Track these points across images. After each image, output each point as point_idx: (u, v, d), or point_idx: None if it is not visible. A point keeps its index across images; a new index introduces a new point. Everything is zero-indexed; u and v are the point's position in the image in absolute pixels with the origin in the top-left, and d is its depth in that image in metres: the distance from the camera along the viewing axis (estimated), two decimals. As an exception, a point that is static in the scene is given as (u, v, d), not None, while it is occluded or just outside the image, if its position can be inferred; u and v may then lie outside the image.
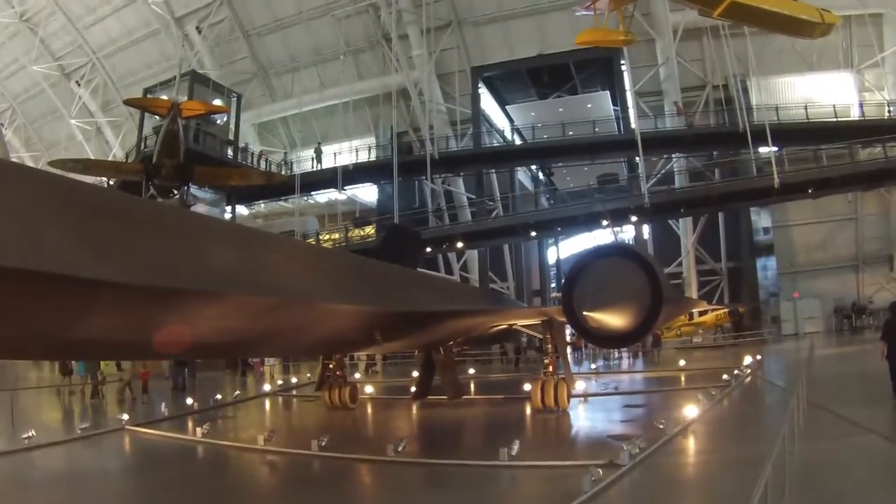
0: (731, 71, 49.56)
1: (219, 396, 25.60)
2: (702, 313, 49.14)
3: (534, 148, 57.11)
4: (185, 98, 47.80)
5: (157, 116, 42.29)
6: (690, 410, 15.92)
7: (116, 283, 7.30)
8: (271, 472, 13.80)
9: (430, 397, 23.10)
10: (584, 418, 19.22)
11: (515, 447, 12.01)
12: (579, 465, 11.25)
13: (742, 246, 57.46)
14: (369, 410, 23.36)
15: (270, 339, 12.63)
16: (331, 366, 23.53)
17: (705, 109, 54.17)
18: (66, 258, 6.78)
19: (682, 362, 31.91)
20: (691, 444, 13.90)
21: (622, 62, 54.43)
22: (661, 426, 14.05)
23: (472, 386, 28.18)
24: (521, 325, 22.68)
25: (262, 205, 66.56)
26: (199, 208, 50.38)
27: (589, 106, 59.57)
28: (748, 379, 24.72)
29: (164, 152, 35.91)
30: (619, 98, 56.18)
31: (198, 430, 16.98)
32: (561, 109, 59.26)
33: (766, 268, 54.58)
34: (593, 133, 54.22)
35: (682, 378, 27.96)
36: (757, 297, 53.99)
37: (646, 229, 59.44)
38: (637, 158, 50.22)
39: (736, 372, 24.32)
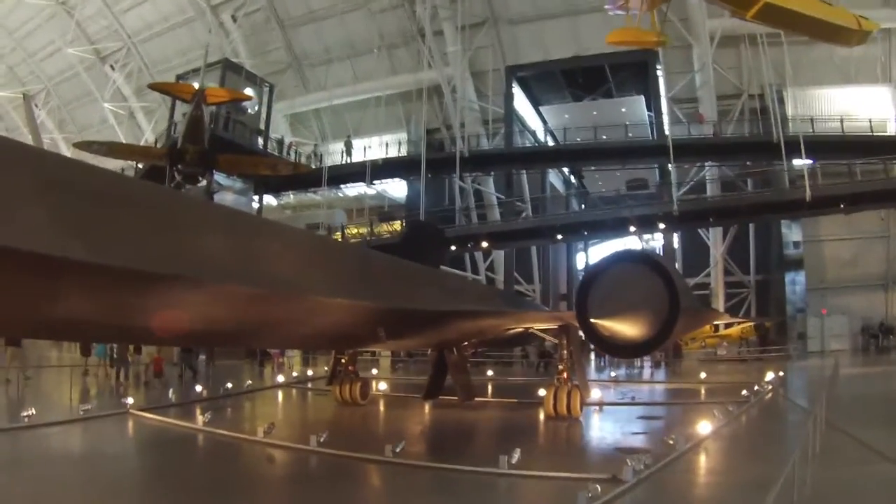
0: (767, 80, 48.22)
1: (230, 385, 25.47)
2: (727, 326, 48.14)
3: (564, 150, 56.70)
4: (215, 85, 47.63)
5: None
6: (704, 427, 15.20)
7: (95, 265, 7.01)
8: (262, 466, 13.68)
9: (441, 398, 22.58)
10: (596, 428, 18.68)
11: (516, 455, 11.64)
12: (580, 479, 10.84)
13: (771, 259, 56.67)
14: (378, 408, 22.94)
15: (262, 331, 12.32)
16: (343, 360, 23.30)
17: (740, 118, 52.90)
18: (44, 237, 6.49)
19: (702, 375, 31.22)
20: (700, 462, 13.27)
21: (658, 67, 53.47)
22: (672, 441, 13.48)
23: (489, 388, 27.87)
24: (537, 330, 22.00)
25: (291, 196, 66.35)
26: (227, 197, 50.55)
27: (623, 110, 58.71)
28: (768, 396, 23.86)
29: (187, 138, 35.61)
30: (653, 103, 55.16)
31: (199, 418, 16.96)
32: (595, 113, 58.51)
33: (795, 282, 53.49)
34: (625, 137, 53.51)
35: (702, 391, 27.24)
36: (784, 312, 52.91)
37: (675, 238, 58.09)
38: (669, 165, 49.11)
39: (756, 388, 23.58)
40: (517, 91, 59.75)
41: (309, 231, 23.39)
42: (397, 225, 54.85)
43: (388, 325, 14.92)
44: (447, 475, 12.04)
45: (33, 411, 16.37)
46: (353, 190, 62.38)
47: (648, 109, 57.20)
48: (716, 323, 45.28)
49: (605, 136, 54.27)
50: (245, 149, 47.98)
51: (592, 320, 15.43)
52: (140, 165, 48.53)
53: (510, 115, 57.22)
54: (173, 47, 65.05)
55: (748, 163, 53.19)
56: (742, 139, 50.64)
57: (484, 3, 55.45)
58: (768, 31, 44.31)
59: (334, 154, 60.51)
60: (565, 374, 19.40)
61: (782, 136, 45.33)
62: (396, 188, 63.65)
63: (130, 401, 19.43)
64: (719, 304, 53.49)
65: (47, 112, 75.65)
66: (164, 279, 8.05)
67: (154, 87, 45.18)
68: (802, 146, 43.43)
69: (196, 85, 38.61)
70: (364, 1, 57.72)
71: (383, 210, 60.54)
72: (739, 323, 48.59)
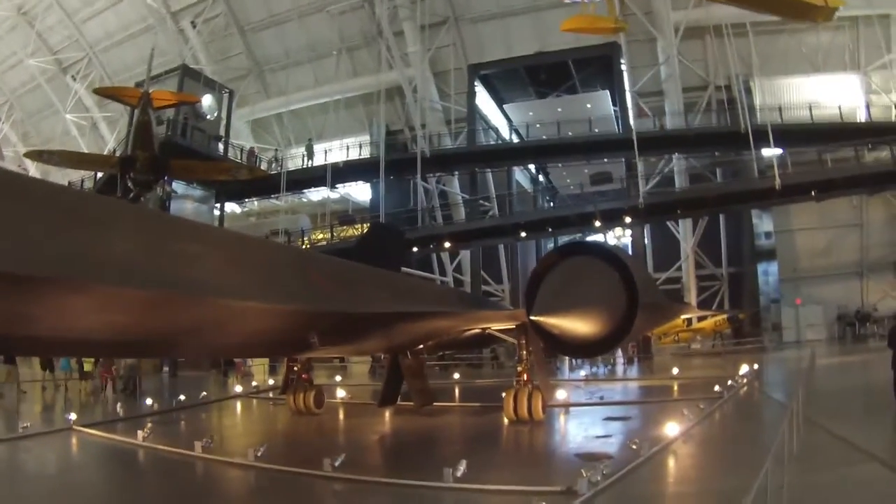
0: (734, 71, 47.26)
1: (182, 398, 24.58)
2: (700, 319, 47.01)
3: (528, 147, 55.58)
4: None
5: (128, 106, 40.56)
6: (672, 428, 13.89)
7: None
8: (190, 480, 12.77)
9: (400, 404, 21.45)
10: (557, 432, 17.39)
11: (462, 467, 10.44)
12: (531, 492, 10.04)
13: (743, 251, 55.97)
14: (331, 417, 21.61)
15: (169, 339, 10.99)
16: (295, 368, 22.19)
17: (707, 110, 52.01)
18: None
19: (674, 371, 29.98)
20: (666, 469, 11.96)
21: (622, 61, 52.24)
22: (636, 446, 12.10)
23: (455, 392, 27.07)
24: (494, 330, 20.47)
25: (256, 203, 65.45)
26: (186, 205, 49.30)
27: (588, 106, 57.53)
28: (743, 390, 22.62)
29: (137, 144, 34.11)
30: (619, 98, 53.89)
31: (139, 433, 15.85)
32: (560, 109, 57.15)
33: (768, 273, 52.82)
34: (590, 132, 52.54)
35: (675, 388, 25.98)
36: (757, 304, 51.95)
37: (646, 233, 56.93)
38: (634, 159, 47.91)
39: (730, 382, 22.30)
40: (481, 90, 58.67)
41: (228, 231, 22.09)
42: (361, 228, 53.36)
43: (321, 330, 13.54)
44: (386, 490, 10.97)
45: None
46: (317, 195, 61.87)
47: (614, 104, 56.00)
48: (689, 317, 44.00)
49: (570, 133, 53.27)
50: (202, 155, 46.55)
51: (537, 318, 14.41)
52: (99, 175, 46.73)
53: (473, 114, 56.06)
54: (134, 55, 62.65)
55: (717, 154, 52.27)
56: (709, 129, 49.88)
57: (445, 2, 54.55)
58: (734, 22, 44.18)
59: (297, 159, 59.80)
60: (525, 376, 18.11)
61: (749, 125, 44.01)
62: (361, 192, 62.74)
63: (73, 417, 18.62)
64: (692, 297, 52.48)
65: (10, 125, 74.32)
66: (48, 282, 7.32)
67: (99, 91, 44.17)
68: (770, 135, 42.24)
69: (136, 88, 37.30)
70: (323, 3, 56.61)
71: (346, 214, 58.22)
72: (712, 316, 47.34)
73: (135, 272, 8.39)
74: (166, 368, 41.85)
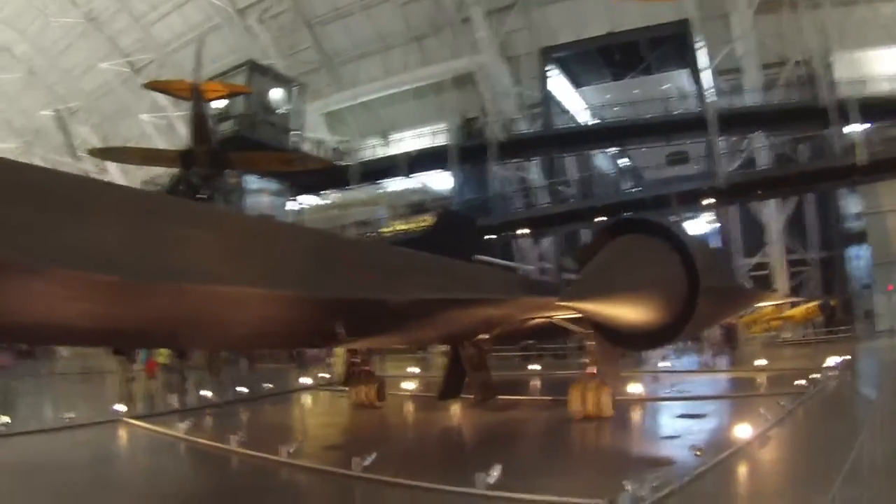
0: (811, 44, 45.36)
1: (245, 390, 24.30)
2: (792, 306, 44.92)
3: (604, 129, 54.73)
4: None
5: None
6: (744, 430, 12.05)
7: None
8: (216, 475, 12.68)
9: (465, 397, 20.45)
10: (623, 431, 15.87)
11: (496, 472, 9.52)
12: None
13: (833, 234, 53.05)
14: (387, 411, 20.61)
15: (160, 331, 11.12)
16: (356, 360, 21.57)
17: (787, 86, 49.62)
18: None
19: (762, 361, 27.74)
20: (725, 483, 10.31)
21: (696, 38, 50.46)
22: (699, 452, 10.83)
23: (529, 384, 25.91)
24: (559, 319, 18.78)
25: (336, 195, 64.91)
26: (262, 199, 49.25)
27: (667, 86, 56.65)
28: (829, 384, 20.41)
29: (194, 138, 33.55)
30: (695, 76, 52.49)
31: (185, 426, 15.63)
32: (636, 91, 56.41)
33: (859, 257, 50.35)
34: (666, 112, 51.24)
35: (759, 380, 24.11)
36: (848, 290, 49.34)
37: (734, 218, 54.82)
38: (715, 138, 46.04)
39: (816, 375, 20.26)
40: (555, 74, 58.22)
41: (236, 214, 21.23)
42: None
43: (346, 319, 12.68)
44: (411, 494, 10.17)
45: (8, 420, 16.59)
46: (396, 185, 61.47)
47: (692, 83, 53.91)
48: (777, 303, 42.06)
49: (648, 114, 52.21)
50: (272, 149, 46.17)
51: (567, 303, 12.39)
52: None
53: (547, 98, 55.86)
54: (205, 54, 62.51)
55: (798, 133, 49.97)
56: (788, 105, 48.02)
57: (512, -15, 53.90)
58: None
59: (373, 149, 60.66)
60: (593, 369, 16.53)
61: (830, 100, 41.71)
62: (441, 181, 61.74)
63: (124, 408, 18.70)
64: (781, 283, 50.39)
65: (90, 128, 75.49)
66: (43, 271, 7.33)
67: (149, 86, 44.21)
68: (852, 109, 39.95)
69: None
70: None
71: (420, 203, 57.53)
72: (792, 304, 45.17)
73: (121, 260, 8.09)
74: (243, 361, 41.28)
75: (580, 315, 15.57)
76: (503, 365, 35.07)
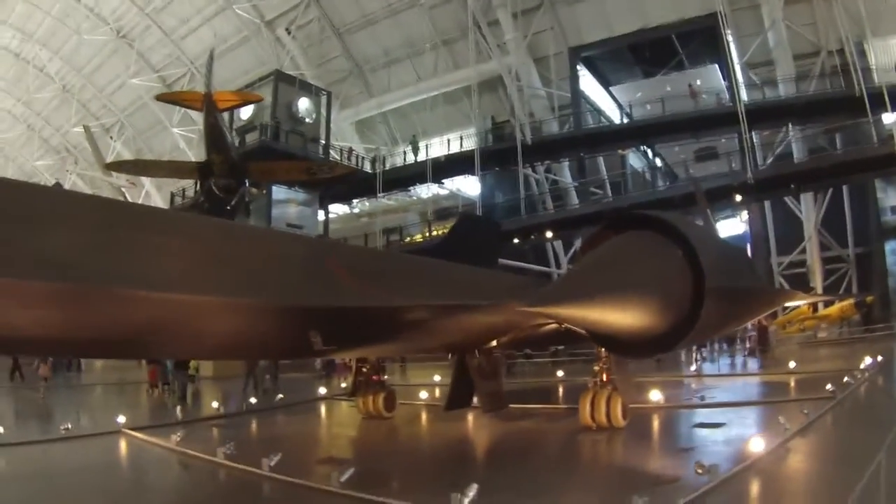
0: (844, 33, 44.38)
1: (253, 401, 24.09)
2: (827, 304, 43.72)
3: (632, 128, 53.50)
4: (268, 98, 48.98)
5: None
6: (757, 444, 11.02)
7: None
8: (188, 486, 12.67)
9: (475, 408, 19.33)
10: (632, 443, 14.40)
11: (472, 492, 8.58)
12: None
13: (870, 229, 52.41)
14: (393, 422, 19.68)
15: (134, 338, 10.33)
16: (364, 369, 20.55)
17: (822, 77, 48.20)
18: None
19: (791, 364, 26.86)
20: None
21: (727, 31, 48.93)
22: (701, 470, 9.64)
23: (552, 393, 25.05)
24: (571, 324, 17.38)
25: (367, 203, 64.72)
26: (290, 209, 48.76)
27: (698, 82, 55.07)
28: (861, 388, 19.36)
29: (210, 148, 32.85)
30: (727, 70, 50.37)
31: (173, 437, 15.25)
32: (668, 88, 55.09)
33: (896, 253, 48.53)
34: (695, 108, 50.15)
35: (787, 384, 23.35)
36: (887, 286, 47.69)
37: (767, 214, 53.38)
38: (747, 133, 44.80)
39: (846, 379, 19.01)
40: (585, 74, 57.79)
41: (195, 219, 20.50)
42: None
43: (324, 329, 11.76)
44: None
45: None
46: (428, 192, 60.40)
47: (724, 78, 52.92)
48: (811, 301, 40.87)
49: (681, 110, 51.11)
50: (299, 158, 45.82)
51: (532, 309, 10.40)
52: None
53: (577, 98, 54.98)
54: (235, 67, 64.71)
55: (832, 125, 48.70)
56: (820, 95, 46.46)
57: (538, -15, 53.83)
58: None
59: (405, 156, 59.28)
60: (604, 376, 15.50)
61: (864, 88, 40.37)
62: (472, 186, 60.84)
63: (123, 420, 18.17)
64: (817, 281, 49.95)
65: (123, 143, 76.88)
66: None
67: (161, 98, 43.79)
68: (887, 97, 38.47)
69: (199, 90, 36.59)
70: None
71: (458, 210, 56.90)
72: (828, 302, 43.83)
73: (76, 267, 7.95)
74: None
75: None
76: (535, 372, 34.09)
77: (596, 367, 15.89)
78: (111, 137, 74.78)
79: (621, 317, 10.67)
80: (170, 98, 45.03)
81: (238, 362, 32.99)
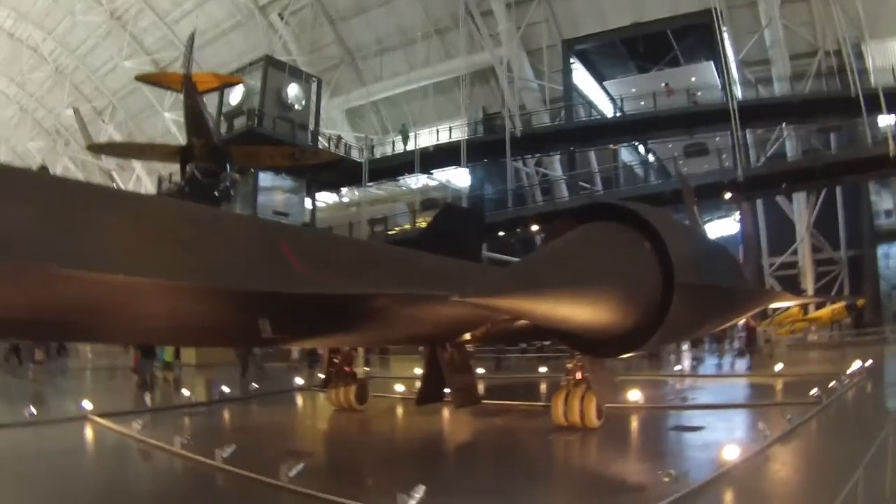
0: (841, 34, 43.97)
1: (227, 390, 23.07)
2: (818, 307, 44.20)
3: (625, 122, 52.84)
4: (256, 84, 49.63)
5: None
6: (731, 451, 10.19)
7: None
8: (135, 475, 12.32)
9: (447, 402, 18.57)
10: (603, 445, 13.74)
11: (419, 493, 8.06)
12: None
13: (863, 232, 51.98)
14: (363, 415, 19.05)
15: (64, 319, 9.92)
16: (335, 360, 19.98)
17: (818, 77, 47.44)
18: None
19: (778, 366, 26.10)
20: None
21: (723, 28, 47.85)
22: (668, 479, 8.99)
23: (536, 389, 24.43)
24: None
25: (356, 192, 63.65)
26: (276, 196, 48.26)
27: (693, 79, 54.83)
28: (849, 393, 18.69)
29: (191, 131, 32.15)
30: (722, 67, 49.53)
31: (135, 425, 14.92)
32: (663, 84, 54.12)
33: (889, 256, 48.74)
34: (689, 104, 49.43)
35: (773, 387, 22.73)
36: (878, 289, 47.21)
37: (760, 215, 52.66)
38: (739, 131, 44.27)
39: (833, 383, 18.30)
40: (578, 67, 57.36)
41: (160, 199, 19.81)
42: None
43: (273, 316, 11.33)
44: None
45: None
46: (418, 183, 60.12)
47: (719, 75, 51.73)
48: (800, 304, 40.40)
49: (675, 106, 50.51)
50: (286, 144, 45.15)
51: (478, 300, 8.63)
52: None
53: (569, 91, 54.69)
54: (228, 52, 64.37)
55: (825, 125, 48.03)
56: (815, 95, 45.82)
57: (533, -24, 53.36)
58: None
59: (394, 145, 59.00)
60: (578, 374, 14.61)
61: (860, 89, 40.23)
62: (463, 177, 60.48)
63: (90, 406, 17.85)
64: (808, 283, 50.07)
65: (115, 126, 76.18)
66: None
67: (140, 78, 43.33)
68: (882, 99, 38.11)
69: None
70: None
71: (447, 201, 56.03)
72: (819, 304, 43.41)
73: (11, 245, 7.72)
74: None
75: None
76: (526, 367, 33.38)
77: (569, 365, 15.06)
78: (103, 120, 74.29)
79: (576, 311, 9.61)
80: (150, 79, 44.51)
81: (222, 350, 32.40)
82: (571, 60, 55.30)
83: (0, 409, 19.77)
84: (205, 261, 10.12)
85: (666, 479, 8.91)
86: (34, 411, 17.17)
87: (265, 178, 49.12)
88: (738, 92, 47.48)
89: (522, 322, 15.09)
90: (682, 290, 10.09)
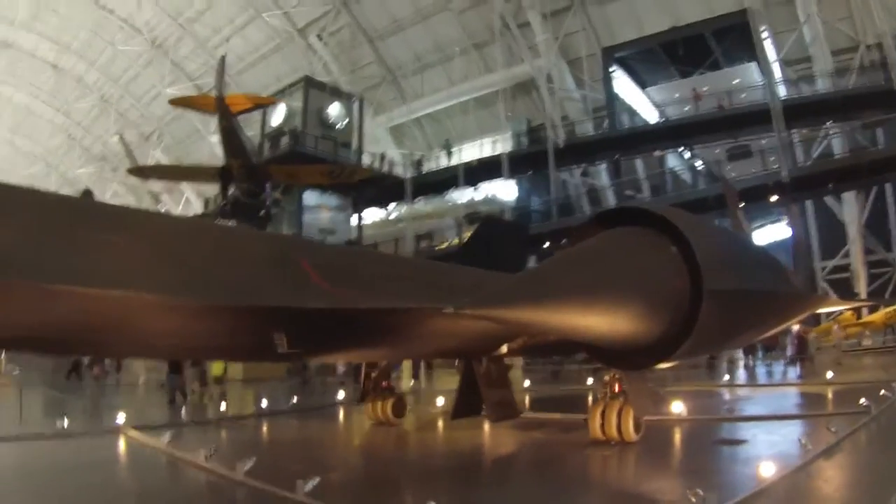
0: (881, 27, 43.40)
1: (265, 404, 23.00)
2: (871, 310, 43.60)
3: (666, 128, 52.50)
4: (298, 104, 50.25)
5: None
6: (768, 468, 9.31)
7: None
8: (155, 487, 11.77)
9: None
10: (638, 461, 12.82)
11: None
12: None
13: None
14: (398, 430, 18.56)
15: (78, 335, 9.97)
16: (372, 374, 19.62)
17: (861, 72, 46.54)
18: None
19: (829, 374, 25.50)
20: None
21: (762, 28, 47.94)
22: (694, 499, 7.91)
23: (583, 401, 22.35)
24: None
25: (403, 209, 63.25)
26: (322, 214, 48.49)
27: (736, 81, 54.04)
28: (898, 403, 17.72)
29: (228, 152, 32.26)
30: (764, 68, 49.28)
31: (163, 438, 14.80)
32: (706, 88, 53.63)
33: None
34: (731, 107, 48.90)
35: (822, 397, 21.95)
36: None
37: (810, 218, 51.82)
38: (784, 132, 43.82)
39: (883, 392, 17.36)
40: (619, 75, 56.47)
41: (171, 217, 19.93)
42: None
43: (289, 331, 10.93)
44: None
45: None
46: (464, 197, 59.77)
47: (763, 76, 50.91)
48: (851, 308, 39.75)
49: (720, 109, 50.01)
50: (329, 163, 45.28)
51: (477, 311, 8.60)
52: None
53: (611, 99, 54.04)
54: (269, 74, 65.27)
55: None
56: (857, 91, 44.84)
57: (567, -14, 53.41)
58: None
59: (438, 161, 59.57)
60: (615, 386, 13.99)
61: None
62: (508, 190, 59.63)
63: (122, 419, 17.66)
64: (861, 286, 48.94)
65: (162, 150, 77.58)
66: None
67: (174, 102, 43.35)
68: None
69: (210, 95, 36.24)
70: (445, 2, 56.05)
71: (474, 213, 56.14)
72: (872, 308, 42.49)
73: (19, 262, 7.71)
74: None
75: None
76: (581, 379, 32.93)
77: (606, 377, 14.41)
78: (151, 147, 75.86)
79: (590, 320, 8.97)
80: (183, 103, 44.90)
81: (269, 365, 32.21)
82: (612, 68, 54.68)
83: (45, 422, 19.53)
84: (217, 277, 9.98)
85: (693, 500, 8.44)
86: (66, 424, 17.17)
87: (310, 197, 49.70)
88: (782, 91, 46.84)
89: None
90: (712, 296, 9.55)
